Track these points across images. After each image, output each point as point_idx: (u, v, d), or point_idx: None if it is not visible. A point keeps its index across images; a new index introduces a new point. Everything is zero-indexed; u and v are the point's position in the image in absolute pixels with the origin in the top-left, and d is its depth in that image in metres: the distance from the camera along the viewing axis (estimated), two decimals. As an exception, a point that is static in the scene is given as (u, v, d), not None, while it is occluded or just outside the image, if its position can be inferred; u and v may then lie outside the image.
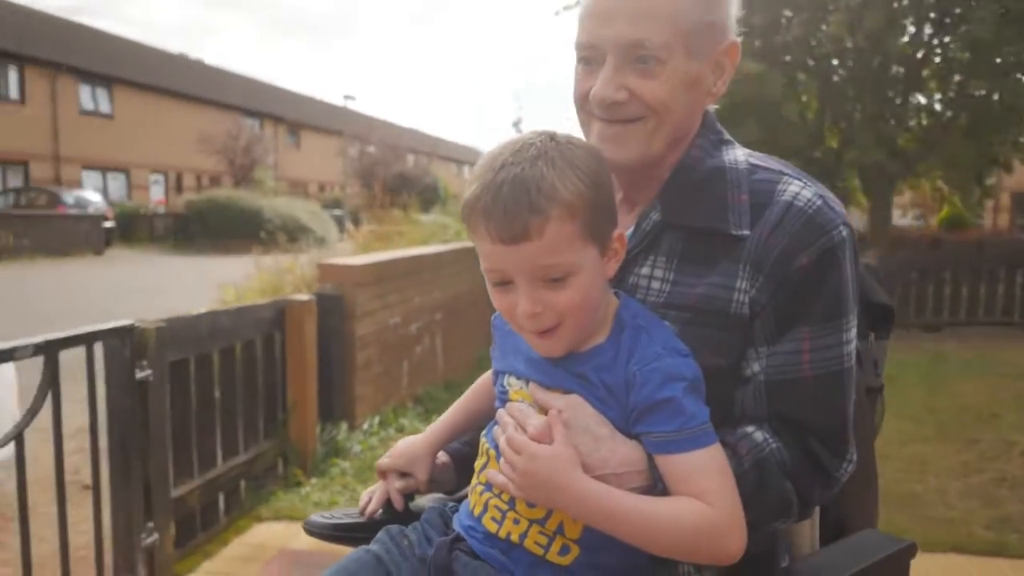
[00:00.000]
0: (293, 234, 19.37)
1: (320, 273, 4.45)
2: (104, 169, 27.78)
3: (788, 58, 11.03)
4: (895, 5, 10.40)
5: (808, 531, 1.22)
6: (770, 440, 1.02)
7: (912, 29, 11.17)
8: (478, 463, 1.10)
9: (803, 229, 1.04)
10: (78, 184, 25.31)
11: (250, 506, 3.53)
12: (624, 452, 0.96)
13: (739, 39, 1.14)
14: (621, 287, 1.09)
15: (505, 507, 1.01)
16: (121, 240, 22.36)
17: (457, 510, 1.12)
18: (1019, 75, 10.51)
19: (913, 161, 11.52)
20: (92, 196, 22.26)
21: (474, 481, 1.09)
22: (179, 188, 30.57)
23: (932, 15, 10.75)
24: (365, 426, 4.55)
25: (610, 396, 0.98)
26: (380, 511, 1.22)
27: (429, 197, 20.02)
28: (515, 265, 0.95)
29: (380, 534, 1.11)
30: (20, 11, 27.15)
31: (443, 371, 5.92)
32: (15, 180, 24.19)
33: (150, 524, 2.71)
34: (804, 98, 12.03)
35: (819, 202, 1.06)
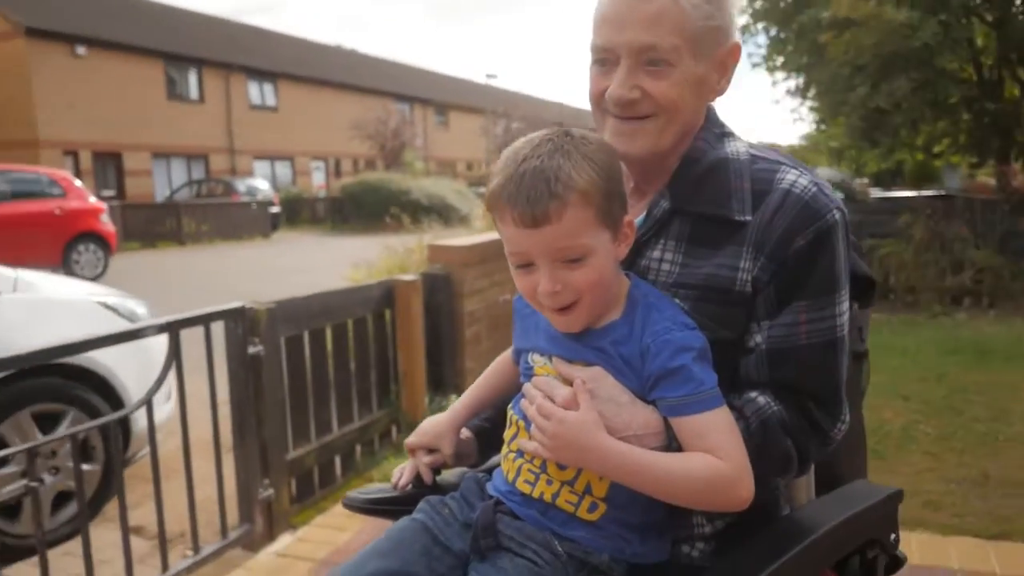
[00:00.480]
0: (440, 213, 20.20)
1: (430, 254, 4.71)
2: (272, 158, 30.13)
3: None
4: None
5: (805, 484, 1.33)
6: (772, 403, 1.11)
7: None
8: (508, 434, 1.20)
9: (800, 213, 1.13)
10: (250, 173, 27.62)
11: (364, 468, 3.87)
12: (643, 416, 1.07)
13: (740, 41, 1.22)
14: (634, 269, 1.19)
15: (538, 471, 1.12)
16: (287, 223, 24.21)
17: (489, 480, 1.24)
18: None
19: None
20: (261, 184, 24.19)
21: (505, 450, 1.20)
22: (338, 173, 32.55)
23: None
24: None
25: (627, 367, 1.09)
26: (410, 485, 1.33)
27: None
28: (537, 247, 1.06)
29: (421, 504, 1.22)
30: (196, 18, 29.95)
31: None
32: (198, 172, 26.82)
33: (266, 481, 3.08)
34: (980, 41, 10.91)
35: (814, 189, 1.15)
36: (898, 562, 1.28)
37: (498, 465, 1.23)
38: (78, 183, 12.88)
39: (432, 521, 1.18)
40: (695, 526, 1.17)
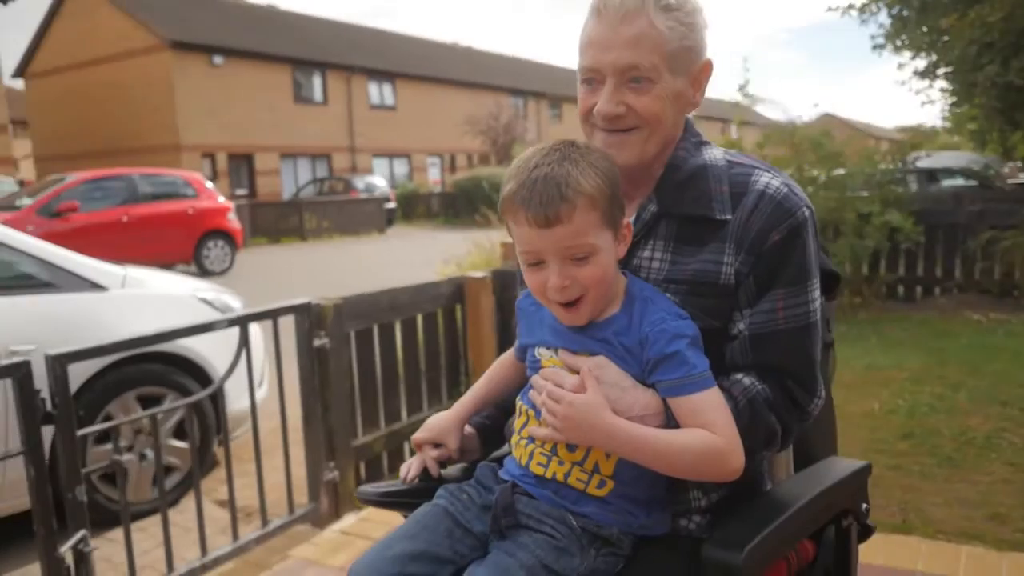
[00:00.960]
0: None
1: (503, 251, 4.85)
2: (390, 155, 31.30)
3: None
4: None
5: (784, 462, 1.48)
6: (756, 383, 1.23)
7: None
8: (518, 423, 1.31)
9: (774, 212, 1.25)
10: (369, 171, 28.86)
11: (431, 456, 4.06)
12: (645, 399, 1.18)
13: (711, 59, 1.33)
14: (627, 267, 1.31)
15: (549, 453, 1.23)
16: (403, 218, 25.18)
17: (501, 468, 1.33)
18: None
19: None
20: (378, 181, 25.24)
21: (516, 438, 1.30)
22: (452, 168, 33.38)
23: None
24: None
25: (628, 355, 1.20)
26: (418, 478, 1.41)
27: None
28: (547, 246, 1.17)
29: (440, 491, 1.32)
30: (320, 24, 31.45)
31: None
32: (321, 171, 28.30)
33: (331, 464, 3.32)
34: None
35: (785, 189, 1.28)
36: (869, 530, 1.41)
37: (507, 454, 1.34)
38: (208, 184, 13.96)
39: (453, 506, 1.28)
40: (692, 500, 1.28)
